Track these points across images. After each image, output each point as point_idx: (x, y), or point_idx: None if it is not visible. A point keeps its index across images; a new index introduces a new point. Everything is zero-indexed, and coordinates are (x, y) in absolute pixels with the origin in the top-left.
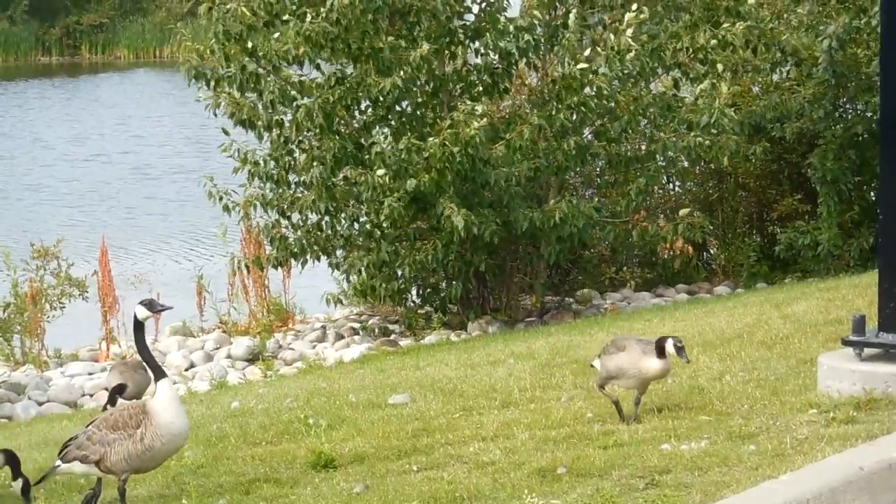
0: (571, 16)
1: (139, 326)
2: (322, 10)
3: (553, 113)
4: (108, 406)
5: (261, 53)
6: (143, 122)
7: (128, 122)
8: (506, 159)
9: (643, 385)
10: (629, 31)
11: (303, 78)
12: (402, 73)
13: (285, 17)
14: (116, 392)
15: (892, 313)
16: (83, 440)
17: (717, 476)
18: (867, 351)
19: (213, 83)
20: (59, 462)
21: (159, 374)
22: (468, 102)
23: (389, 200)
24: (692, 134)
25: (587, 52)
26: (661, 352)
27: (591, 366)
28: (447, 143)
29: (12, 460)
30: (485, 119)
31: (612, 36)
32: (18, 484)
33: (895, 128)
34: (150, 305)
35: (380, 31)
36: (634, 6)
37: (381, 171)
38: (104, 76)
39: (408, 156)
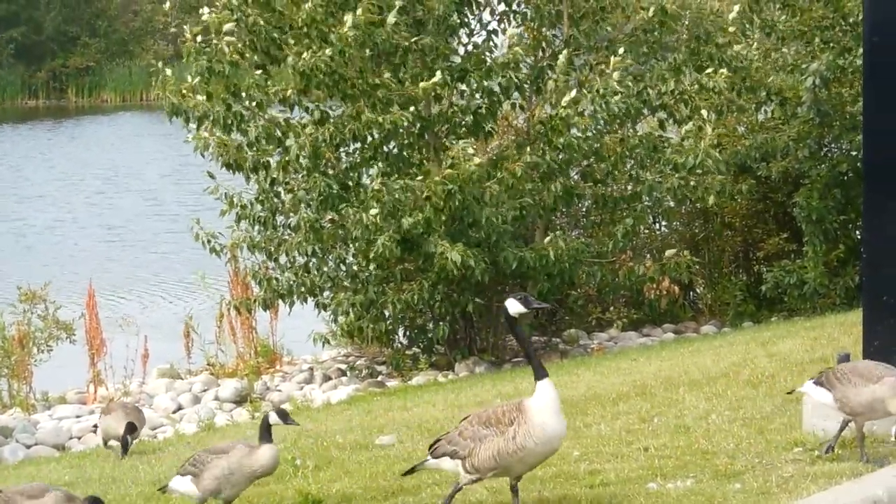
0: (561, 57)
1: (512, 321)
2: (326, 47)
3: (540, 154)
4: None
5: (244, 93)
6: (130, 164)
7: (114, 165)
8: (496, 198)
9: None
10: (615, 75)
11: (290, 119)
12: (412, 108)
13: (284, 53)
14: (129, 433)
15: (876, 351)
16: (454, 436)
17: None
18: None
19: (194, 121)
20: (428, 457)
21: (540, 372)
22: (457, 142)
23: (382, 239)
24: (677, 175)
25: (573, 94)
26: None
27: (794, 391)
28: (447, 181)
29: None
30: (478, 157)
31: (598, 78)
32: None
33: (879, 167)
34: (525, 301)
35: (376, 70)
36: (621, 50)
37: (374, 210)
38: (91, 119)
39: (402, 195)
